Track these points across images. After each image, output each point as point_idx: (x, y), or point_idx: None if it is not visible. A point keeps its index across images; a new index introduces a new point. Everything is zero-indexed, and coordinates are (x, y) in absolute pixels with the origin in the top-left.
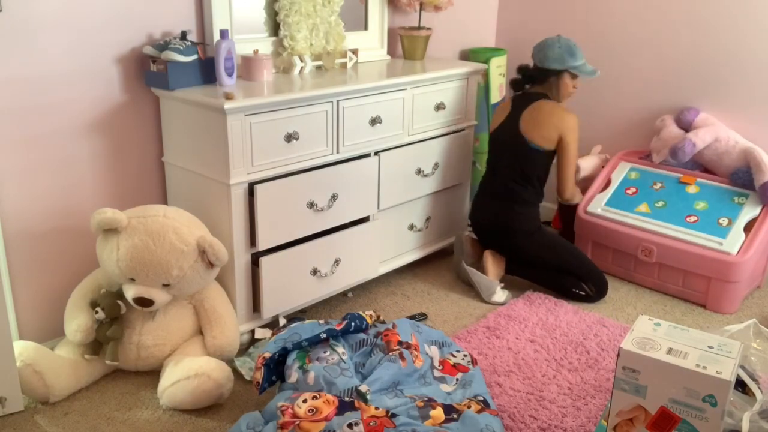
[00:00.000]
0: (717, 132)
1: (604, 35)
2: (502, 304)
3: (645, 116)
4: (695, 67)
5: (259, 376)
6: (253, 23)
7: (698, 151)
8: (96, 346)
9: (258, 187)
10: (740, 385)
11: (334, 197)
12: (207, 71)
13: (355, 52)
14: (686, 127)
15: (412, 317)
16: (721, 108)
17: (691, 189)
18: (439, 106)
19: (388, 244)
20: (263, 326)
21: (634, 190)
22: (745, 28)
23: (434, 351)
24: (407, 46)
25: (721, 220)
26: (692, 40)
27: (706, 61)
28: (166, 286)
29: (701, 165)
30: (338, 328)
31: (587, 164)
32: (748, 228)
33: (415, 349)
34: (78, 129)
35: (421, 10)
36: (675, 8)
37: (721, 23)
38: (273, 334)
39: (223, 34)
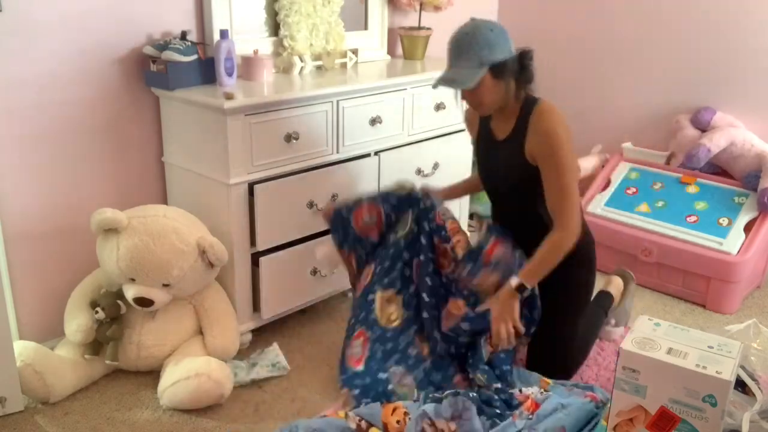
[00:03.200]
0: (733, 135)
1: (611, 34)
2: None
3: (660, 116)
4: (711, 65)
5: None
6: (253, 23)
7: (713, 155)
8: (96, 346)
9: (258, 187)
10: (740, 385)
11: (334, 197)
12: (207, 71)
13: (355, 52)
14: (703, 127)
15: None
16: (738, 108)
17: (691, 189)
18: (439, 106)
19: None
20: (259, 329)
21: (634, 190)
22: (763, 26)
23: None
24: (407, 46)
25: (721, 220)
26: (708, 38)
27: (723, 59)
28: (166, 286)
29: (717, 166)
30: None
31: (587, 164)
32: (748, 228)
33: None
34: (78, 129)
35: (421, 10)
36: (687, 5)
37: (737, 21)
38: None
39: (223, 34)
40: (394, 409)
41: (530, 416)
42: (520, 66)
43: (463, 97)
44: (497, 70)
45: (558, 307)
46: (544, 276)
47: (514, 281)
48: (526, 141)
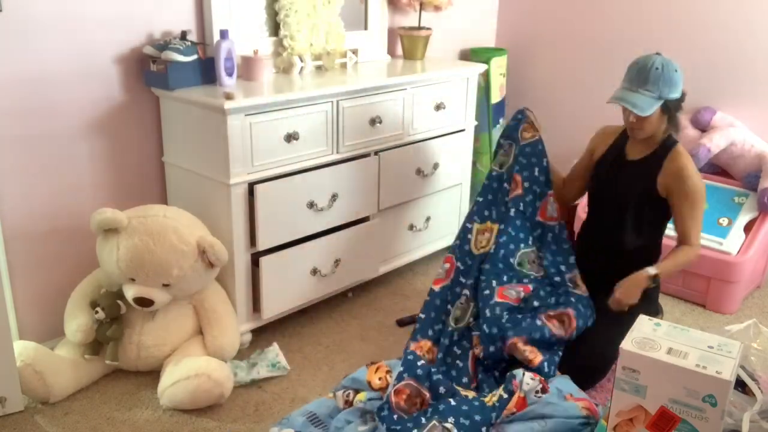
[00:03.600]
0: (733, 135)
1: (610, 34)
2: None
3: None
4: (711, 65)
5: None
6: (253, 23)
7: (713, 155)
8: (96, 346)
9: (258, 187)
10: (740, 385)
11: (334, 197)
12: (207, 71)
13: (355, 52)
14: (703, 127)
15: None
16: (738, 108)
17: None
18: (439, 106)
19: (388, 244)
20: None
21: None
22: (762, 26)
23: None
24: (407, 46)
25: (721, 220)
26: (708, 38)
27: (723, 59)
28: (166, 286)
29: (717, 166)
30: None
31: None
32: (748, 228)
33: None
34: (78, 129)
35: (421, 10)
36: (688, 5)
37: (736, 20)
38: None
39: (223, 34)
40: (377, 368)
41: (508, 417)
42: (677, 107)
43: (628, 118)
44: (666, 106)
45: (617, 328)
46: (670, 275)
47: (652, 270)
48: (660, 173)
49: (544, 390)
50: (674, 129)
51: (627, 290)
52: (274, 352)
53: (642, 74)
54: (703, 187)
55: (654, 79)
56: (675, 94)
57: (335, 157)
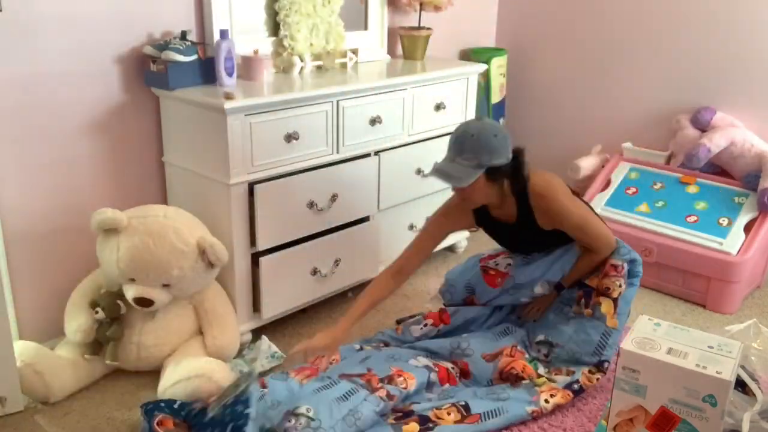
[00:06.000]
0: (733, 135)
1: (610, 34)
2: None
3: (660, 116)
4: (711, 65)
5: None
6: (253, 23)
7: (713, 155)
8: (96, 346)
9: (258, 187)
10: (740, 385)
11: (334, 197)
12: (207, 71)
13: (355, 52)
14: (703, 127)
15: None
16: (738, 108)
17: (691, 189)
18: (439, 106)
19: (388, 244)
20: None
21: (634, 190)
22: (763, 27)
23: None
24: (407, 46)
25: (721, 220)
26: (708, 38)
27: (723, 59)
28: (166, 286)
29: (717, 166)
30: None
31: (587, 164)
32: (748, 228)
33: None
34: (78, 129)
35: (421, 10)
36: (687, 5)
37: (737, 20)
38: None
39: (223, 34)
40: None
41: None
42: (513, 167)
43: (453, 189)
44: (492, 172)
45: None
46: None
47: (554, 283)
48: (537, 219)
49: None
50: (519, 186)
51: (535, 304)
52: (266, 343)
53: (458, 144)
54: (576, 203)
55: (470, 148)
56: (498, 160)
57: (335, 157)
